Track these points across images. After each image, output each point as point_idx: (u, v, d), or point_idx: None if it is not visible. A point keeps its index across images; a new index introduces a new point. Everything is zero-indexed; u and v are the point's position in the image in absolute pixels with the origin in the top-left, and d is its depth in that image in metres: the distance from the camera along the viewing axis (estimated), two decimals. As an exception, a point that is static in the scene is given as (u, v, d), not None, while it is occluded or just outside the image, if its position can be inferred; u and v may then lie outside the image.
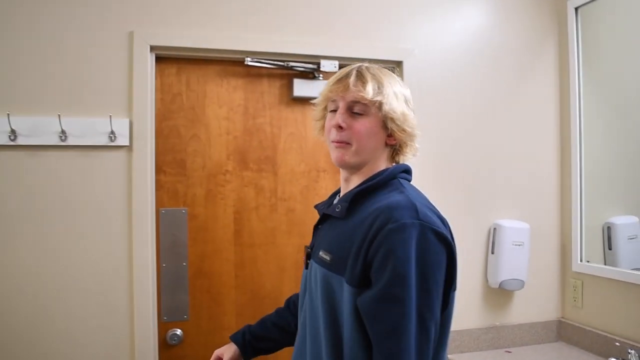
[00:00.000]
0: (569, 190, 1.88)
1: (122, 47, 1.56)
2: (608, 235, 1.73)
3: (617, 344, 1.60)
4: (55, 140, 1.52)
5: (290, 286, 1.71)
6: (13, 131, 1.49)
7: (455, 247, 0.81)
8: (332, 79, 0.91)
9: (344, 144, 0.87)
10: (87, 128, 1.53)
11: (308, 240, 1.70)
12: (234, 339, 1.15)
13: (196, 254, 1.65)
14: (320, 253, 0.87)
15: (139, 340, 1.54)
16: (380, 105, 0.86)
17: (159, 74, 1.63)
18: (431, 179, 1.79)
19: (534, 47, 1.93)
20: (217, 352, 1.14)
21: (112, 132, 1.54)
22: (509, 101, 1.90)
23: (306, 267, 0.96)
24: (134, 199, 1.55)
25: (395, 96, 0.88)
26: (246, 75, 1.70)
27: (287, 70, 1.72)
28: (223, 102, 1.68)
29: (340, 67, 1.70)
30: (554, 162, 1.93)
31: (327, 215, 0.93)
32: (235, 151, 1.68)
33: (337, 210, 0.89)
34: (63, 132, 1.51)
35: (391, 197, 0.82)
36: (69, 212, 1.51)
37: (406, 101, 0.91)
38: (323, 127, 0.95)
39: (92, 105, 1.55)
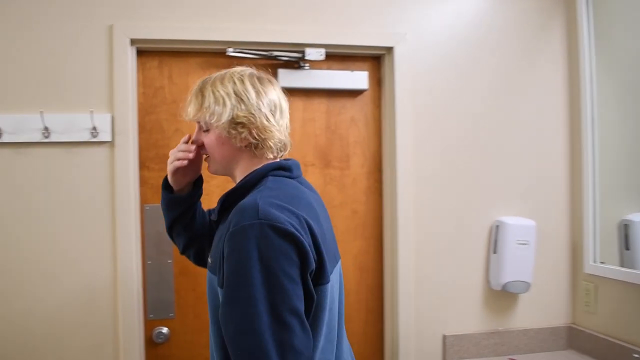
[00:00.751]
0: (580, 184, 1.80)
1: (102, 41, 1.61)
2: (625, 233, 1.65)
3: (636, 355, 1.53)
4: (39, 137, 1.58)
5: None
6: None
7: (306, 239, 0.83)
8: None
9: (207, 157, 1.02)
10: (69, 124, 1.59)
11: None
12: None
13: (180, 252, 1.69)
14: (209, 257, 0.97)
15: (124, 339, 1.60)
16: (209, 117, 0.95)
17: (141, 67, 1.67)
18: (427, 172, 1.75)
19: (539, 29, 1.85)
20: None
21: (94, 128, 1.59)
22: (513, 89, 1.83)
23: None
24: (117, 195, 1.60)
25: (218, 102, 0.95)
26: (229, 67, 1.66)
27: (271, 60, 1.72)
28: (206, 95, 1.70)
29: (327, 55, 1.68)
30: (563, 153, 1.86)
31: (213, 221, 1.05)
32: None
33: (214, 213, 1.01)
34: (46, 128, 1.58)
35: (245, 200, 0.87)
36: (52, 209, 1.58)
37: (235, 103, 0.95)
38: None
39: (73, 101, 1.60)
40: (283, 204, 0.85)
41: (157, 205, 1.68)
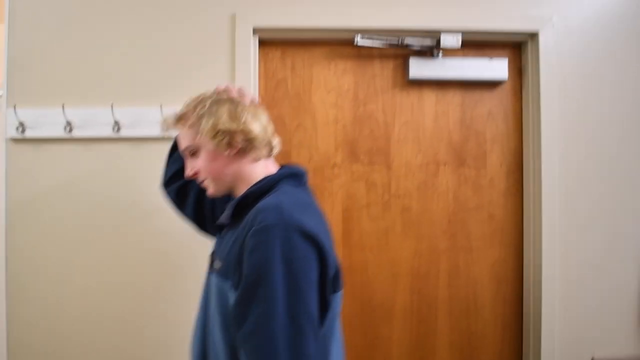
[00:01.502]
0: None
1: (224, 31, 1.58)
2: None
3: None
4: (157, 132, 1.57)
5: (404, 296, 1.64)
6: (117, 123, 1.57)
7: (327, 247, 0.87)
8: None
9: (204, 181, 1.03)
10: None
11: (426, 243, 1.62)
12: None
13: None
14: (216, 261, 0.98)
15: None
16: (195, 135, 1.00)
17: (263, 58, 1.63)
18: (576, 174, 1.63)
19: None
20: None
21: (216, 123, 1.55)
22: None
23: (208, 273, 1.04)
24: (237, 194, 1.56)
25: (198, 119, 1.00)
26: (356, 57, 1.66)
27: (401, 49, 1.64)
28: (331, 87, 1.64)
29: (463, 42, 1.59)
30: None
31: (220, 225, 1.04)
32: (344, 142, 1.64)
33: (223, 216, 1.01)
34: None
35: (265, 201, 0.91)
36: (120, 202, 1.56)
37: (213, 114, 1.00)
38: None
39: (195, 93, 1.58)
40: (307, 210, 0.91)
41: (278, 205, 1.63)
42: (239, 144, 0.99)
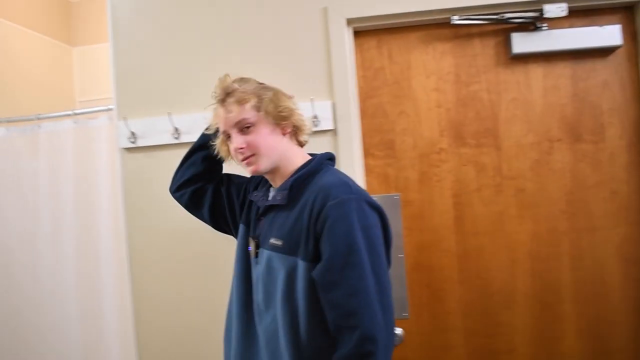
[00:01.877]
0: None
1: (317, 26, 1.62)
2: None
3: None
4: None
5: (524, 281, 1.60)
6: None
7: (385, 213, 1.04)
8: (213, 110, 1.14)
9: (250, 157, 1.07)
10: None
11: (544, 225, 1.58)
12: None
13: (413, 245, 1.64)
14: (272, 240, 1.06)
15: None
16: (258, 109, 1.07)
17: (358, 49, 1.66)
18: None
19: None
20: None
21: (315, 117, 1.60)
22: None
23: (255, 257, 1.12)
24: (344, 187, 1.58)
25: (261, 92, 1.09)
26: (454, 38, 1.64)
27: (501, 25, 1.61)
28: (430, 71, 1.64)
29: (570, 10, 1.53)
30: None
31: (269, 206, 1.11)
32: (448, 126, 1.63)
33: (278, 198, 1.08)
34: (269, 121, 1.61)
35: (324, 179, 1.05)
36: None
37: (269, 89, 1.11)
38: (228, 151, 1.15)
39: (293, 91, 1.60)
40: (358, 185, 1.06)
41: (384, 195, 1.64)
42: (290, 127, 1.11)
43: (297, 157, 1.12)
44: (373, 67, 1.66)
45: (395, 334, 1.02)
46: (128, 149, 1.73)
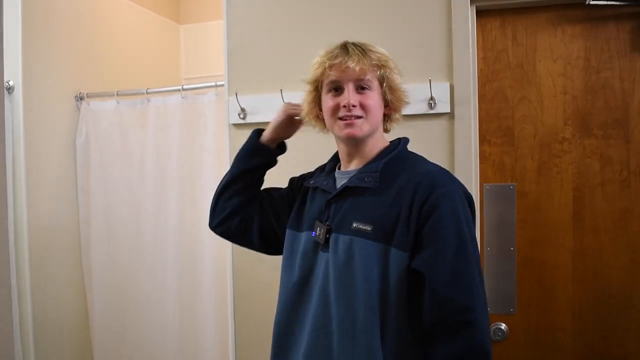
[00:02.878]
0: None
1: (440, 3, 1.57)
2: None
3: None
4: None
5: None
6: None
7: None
8: (326, 59, 1.03)
9: (357, 119, 1.01)
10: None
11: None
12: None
13: (526, 238, 1.58)
14: (356, 225, 0.98)
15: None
16: (382, 78, 1.02)
17: (480, 29, 1.60)
18: None
19: None
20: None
21: (432, 99, 1.56)
22: None
23: (326, 243, 1.02)
24: (456, 172, 1.55)
25: (395, 68, 1.05)
26: (586, 20, 1.55)
27: (641, 7, 1.49)
28: (558, 55, 1.56)
29: None
30: None
31: (345, 189, 1.03)
32: (574, 114, 1.55)
33: (366, 180, 1.01)
34: (382, 102, 1.59)
35: (423, 166, 1.04)
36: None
37: (400, 73, 1.07)
38: (313, 110, 1.10)
39: (410, 70, 1.58)
40: None
41: (498, 184, 1.59)
42: (394, 109, 1.09)
43: (382, 140, 1.09)
44: (495, 48, 1.60)
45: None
46: (237, 125, 1.77)
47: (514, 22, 1.59)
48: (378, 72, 1.02)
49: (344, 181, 1.06)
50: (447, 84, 1.56)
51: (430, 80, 1.54)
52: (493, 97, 1.60)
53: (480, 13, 1.59)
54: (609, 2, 1.49)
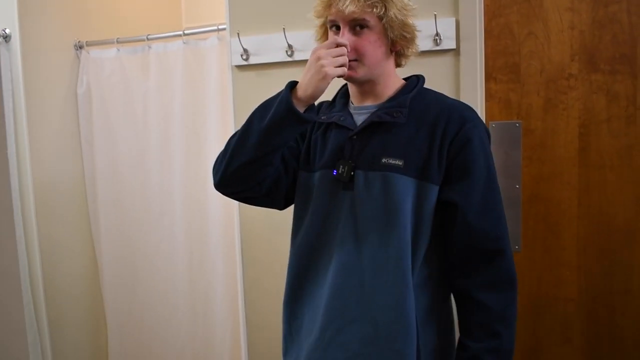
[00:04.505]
0: None
1: None
2: None
3: None
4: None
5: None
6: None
7: None
8: None
9: (351, 61, 0.98)
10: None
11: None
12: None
13: (531, 176, 1.61)
14: (385, 160, 0.99)
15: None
16: (380, 16, 0.97)
17: (487, -38, 1.59)
18: None
19: None
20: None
21: (437, 35, 1.57)
22: None
23: (349, 181, 1.01)
24: (462, 110, 1.56)
25: (395, 4, 0.98)
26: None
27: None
28: (565, -12, 1.55)
29: None
30: None
31: (371, 125, 1.02)
32: (581, 50, 1.56)
33: (395, 116, 1.00)
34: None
35: (447, 100, 1.06)
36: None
37: (405, 6, 1.01)
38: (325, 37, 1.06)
39: (414, 6, 1.59)
40: None
41: (504, 122, 1.61)
42: (403, 45, 1.04)
43: (395, 77, 1.08)
44: (502, -18, 1.60)
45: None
46: (240, 67, 1.78)
47: (522, -46, 1.58)
48: (376, 10, 0.96)
49: (364, 117, 1.04)
50: (453, 19, 1.56)
51: (435, 15, 1.55)
52: (499, 33, 1.61)
53: (489, -57, 1.59)
54: None
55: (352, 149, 1.03)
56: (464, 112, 1.02)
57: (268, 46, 1.72)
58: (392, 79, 1.07)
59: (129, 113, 2.17)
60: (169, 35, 2.08)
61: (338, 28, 1.01)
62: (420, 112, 1.02)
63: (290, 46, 1.69)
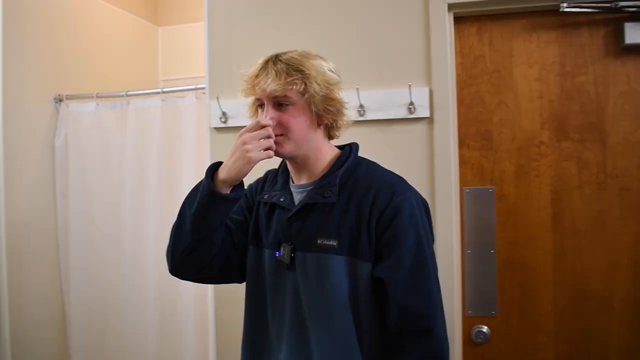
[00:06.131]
0: None
1: (417, 9, 1.64)
2: None
3: None
4: (354, 116, 1.66)
5: (625, 287, 1.57)
6: (315, 108, 1.69)
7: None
8: (250, 74, 1.03)
9: (278, 136, 1.00)
10: (385, 101, 1.65)
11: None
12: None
13: (506, 241, 1.64)
14: (320, 241, 1.00)
15: (443, 335, 1.59)
16: (301, 92, 0.99)
17: (458, 35, 1.68)
18: None
19: None
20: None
21: (412, 104, 1.63)
22: None
23: (291, 262, 1.03)
24: (436, 176, 1.62)
25: (315, 79, 1.00)
26: (561, 26, 1.63)
27: (614, 14, 1.58)
28: (533, 60, 1.64)
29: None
30: None
31: (306, 206, 1.03)
32: (550, 118, 1.62)
33: (326, 196, 1.01)
34: (361, 106, 1.66)
35: (378, 174, 1.05)
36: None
37: (328, 80, 1.02)
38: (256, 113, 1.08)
39: (389, 76, 1.67)
40: None
41: (477, 187, 1.66)
42: (329, 118, 1.04)
43: (328, 150, 1.08)
44: (472, 54, 1.67)
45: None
46: (218, 129, 1.82)
47: (491, 29, 1.66)
48: (296, 87, 0.99)
49: (301, 195, 1.06)
50: (427, 89, 1.62)
51: (410, 85, 1.61)
52: (471, 102, 1.67)
53: (458, 19, 1.66)
54: (582, 10, 1.57)
55: (291, 230, 1.05)
56: (394, 185, 1.01)
57: (247, 110, 1.76)
58: (324, 152, 1.07)
59: (105, 167, 2.19)
60: (148, 92, 2.12)
61: (262, 107, 1.04)
62: (351, 187, 1.02)
63: (267, 110, 1.73)
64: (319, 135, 1.06)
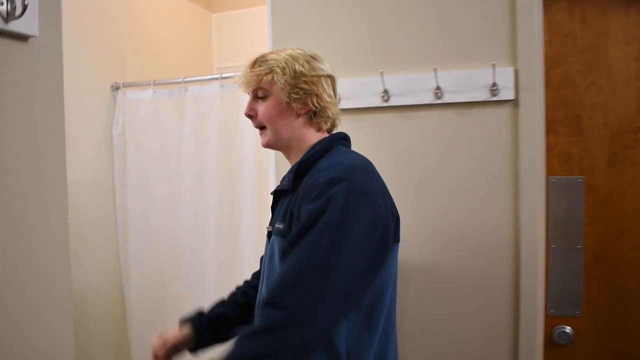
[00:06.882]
0: None
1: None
2: None
3: None
4: (430, 99, 1.57)
5: None
6: (386, 91, 1.60)
7: (384, 205, 0.98)
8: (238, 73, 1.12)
9: (261, 129, 1.10)
10: (465, 82, 1.55)
11: None
12: (186, 318, 1.24)
13: (595, 236, 1.52)
14: (277, 225, 1.04)
15: (523, 334, 1.50)
16: (272, 82, 1.06)
17: (546, 10, 1.55)
18: None
19: None
20: (159, 337, 1.21)
21: (494, 85, 1.52)
22: None
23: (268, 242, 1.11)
24: (520, 164, 1.51)
25: (283, 70, 1.04)
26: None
27: None
28: (631, 37, 1.49)
29: None
30: None
31: (280, 192, 1.10)
32: (650, 101, 1.48)
33: (284, 183, 1.07)
34: (438, 88, 1.56)
35: (329, 161, 1.03)
36: (445, 177, 1.57)
37: (295, 69, 1.05)
38: None
39: (470, 55, 1.56)
40: (362, 167, 1.01)
41: (565, 177, 1.54)
42: (311, 106, 1.07)
43: (312, 140, 1.10)
44: (561, 31, 1.54)
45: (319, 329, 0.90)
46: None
47: (582, 2, 1.52)
48: (266, 78, 1.06)
49: None
50: (511, 69, 1.50)
51: (494, 64, 1.50)
52: (559, 83, 1.54)
53: (547, -7, 1.54)
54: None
55: (272, 217, 1.15)
56: (322, 172, 0.98)
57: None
58: (307, 143, 1.10)
59: (163, 155, 2.16)
60: (206, 78, 2.07)
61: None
62: (310, 175, 1.03)
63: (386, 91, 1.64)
64: (298, 124, 1.09)
